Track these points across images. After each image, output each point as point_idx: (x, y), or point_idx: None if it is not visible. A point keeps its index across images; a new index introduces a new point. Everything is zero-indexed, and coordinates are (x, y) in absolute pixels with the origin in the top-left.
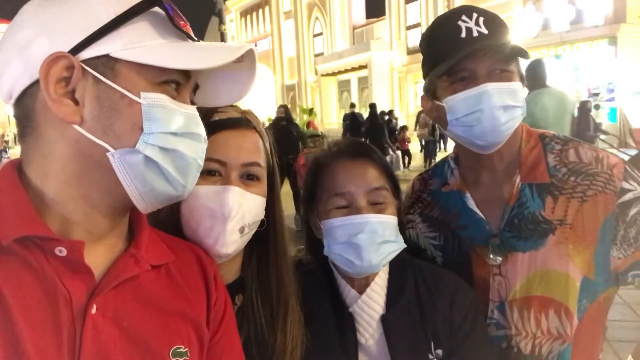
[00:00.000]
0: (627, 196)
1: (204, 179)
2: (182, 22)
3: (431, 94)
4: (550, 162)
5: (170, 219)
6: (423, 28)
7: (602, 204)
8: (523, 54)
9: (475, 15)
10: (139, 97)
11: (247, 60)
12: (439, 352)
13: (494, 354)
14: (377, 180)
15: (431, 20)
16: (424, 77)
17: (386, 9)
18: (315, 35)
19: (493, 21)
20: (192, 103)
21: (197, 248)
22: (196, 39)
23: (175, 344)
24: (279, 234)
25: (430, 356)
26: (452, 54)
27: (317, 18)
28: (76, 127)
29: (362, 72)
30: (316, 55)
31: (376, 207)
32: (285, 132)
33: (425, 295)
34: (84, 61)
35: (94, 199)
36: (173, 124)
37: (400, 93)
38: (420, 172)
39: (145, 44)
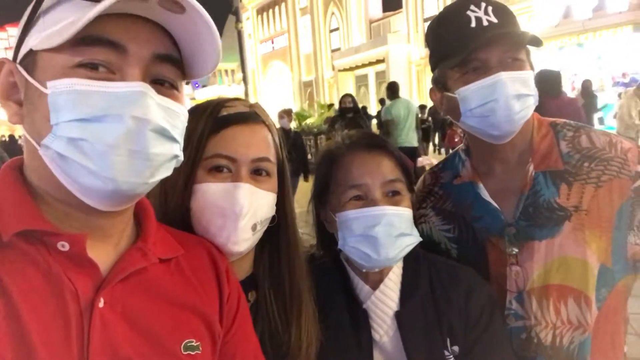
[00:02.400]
0: None
1: (213, 176)
2: None
3: (441, 85)
4: (563, 149)
5: (179, 217)
6: None
7: (617, 189)
8: (535, 41)
9: (484, 5)
10: (46, 87)
11: (190, 12)
12: (455, 348)
13: (511, 350)
14: (392, 173)
15: None
16: (432, 69)
17: (403, 2)
18: (331, 31)
19: (502, 10)
20: (162, 78)
21: (208, 243)
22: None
23: (186, 337)
24: (291, 230)
25: (447, 353)
26: (464, 45)
27: (333, 13)
28: (21, 127)
29: (380, 67)
30: (333, 51)
31: (392, 199)
32: (354, 125)
33: (440, 290)
34: (20, 62)
35: (68, 196)
36: (84, 109)
37: (419, 86)
38: (431, 167)
39: (55, 27)
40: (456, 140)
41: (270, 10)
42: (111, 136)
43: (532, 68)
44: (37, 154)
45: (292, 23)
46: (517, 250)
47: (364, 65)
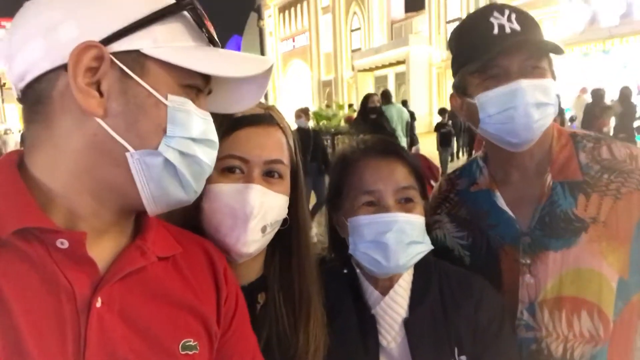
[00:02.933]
0: None
1: (225, 177)
2: (210, 28)
3: (461, 91)
4: (582, 160)
5: (187, 217)
6: None
7: (636, 202)
8: (557, 50)
9: (507, 12)
10: (166, 99)
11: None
12: (463, 358)
13: None
14: (406, 179)
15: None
16: (454, 74)
17: (426, 3)
18: (352, 30)
19: (525, 18)
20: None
21: (207, 242)
22: (219, 43)
23: (184, 337)
24: (302, 233)
25: None
26: (485, 51)
27: (355, 13)
28: (98, 120)
29: (400, 68)
30: (353, 51)
31: (405, 206)
32: (377, 127)
33: (449, 298)
34: (113, 54)
35: (103, 196)
36: (194, 130)
37: (438, 90)
38: (447, 173)
39: (175, 44)
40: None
41: (292, 8)
42: (209, 157)
43: (553, 77)
44: (88, 151)
45: (313, 22)
46: (530, 260)
47: (384, 66)
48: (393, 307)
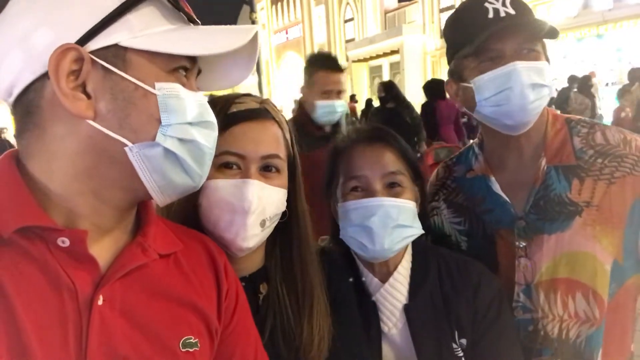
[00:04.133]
0: None
1: (222, 173)
2: (185, 6)
3: (457, 76)
4: (577, 144)
5: (185, 213)
6: None
7: (630, 186)
8: (552, 33)
9: None
10: (154, 88)
11: (249, 42)
12: (463, 341)
13: (519, 343)
14: (393, 165)
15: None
16: (449, 61)
17: None
18: (346, 21)
19: (519, 2)
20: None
21: (206, 238)
22: (198, 21)
23: (185, 334)
24: (302, 225)
25: (454, 345)
26: (480, 34)
27: (347, 3)
28: (90, 122)
29: (394, 58)
30: (347, 41)
31: (392, 191)
32: (395, 118)
33: (448, 284)
34: (92, 52)
35: (105, 194)
36: (189, 114)
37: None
38: (445, 160)
39: (153, 30)
40: None
41: (285, 1)
42: (208, 140)
43: (547, 60)
44: (83, 151)
45: (306, 13)
46: (526, 243)
47: (378, 56)
48: (393, 294)
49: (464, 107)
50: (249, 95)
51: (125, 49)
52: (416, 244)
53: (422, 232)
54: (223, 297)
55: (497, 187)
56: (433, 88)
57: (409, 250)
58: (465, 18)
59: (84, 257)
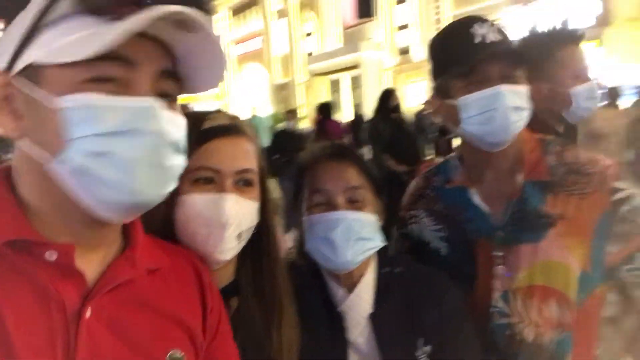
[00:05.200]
0: (619, 195)
1: (198, 188)
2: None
3: (443, 93)
4: (550, 161)
5: (161, 228)
6: (413, 29)
7: (597, 202)
8: (530, 60)
9: (487, 24)
10: (59, 102)
11: (200, 32)
12: (428, 348)
13: (480, 353)
14: (355, 180)
15: (421, 21)
16: (434, 79)
17: (377, 10)
18: (307, 35)
19: (501, 30)
20: (165, 93)
21: (192, 254)
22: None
23: (171, 348)
24: (272, 237)
25: (419, 353)
26: (469, 57)
27: (309, 17)
28: (21, 141)
29: (354, 72)
30: (308, 55)
31: (354, 204)
32: (397, 129)
33: (414, 292)
34: (18, 73)
35: (65, 210)
36: (104, 124)
37: None
38: (423, 172)
39: (66, 40)
40: None
41: (246, 11)
42: (134, 150)
43: (526, 85)
44: (36, 169)
45: (267, 25)
46: (503, 252)
47: (337, 71)
48: (358, 303)
49: (446, 122)
50: (219, 112)
51: (40, 65)
52: (382, 254)
53: (384, 244)
54: (208, 313)
55: (477, 199)
56: (323, 109)
57: (374, 260)
58: (453, 41)
59: (71, 270)
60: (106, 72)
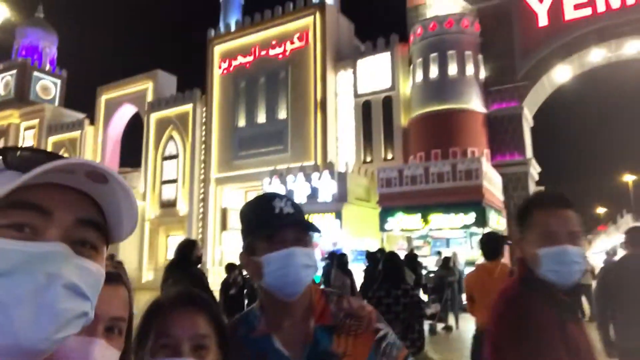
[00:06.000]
0: (380, 333)
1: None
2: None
3: (250, 251)
4: (332, 308)
5: None
6: (180, 184)
7: (367, 340)
8: (316, 229)
9: (284, 199)
10: None
11: (112, 181)
12: None
13: None
14: (203, 328)
15: (187, 177)
16: (244, 238)
17: (142, 162)
18: None
19: (295, 204)
20: (84, 241)
21: None
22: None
23: None
24: None
25: None
26: (272, 224)
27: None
28: None
29: None
30: None
31: (197, 352)
32: (196, 281)
33: None
34: None
35: None
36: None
37: (150, 244)
38: (227, 322)
39: None
40: None
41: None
42: (17, 290)
43: (312, 246)
44: None
45: None
46: None
47: None
48: None
49: (253, 275)
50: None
51: None
52: None
53: None
54: None
55: (278, 345)
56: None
57: None
58: (259, 209)
59: None
60: (19, 219)
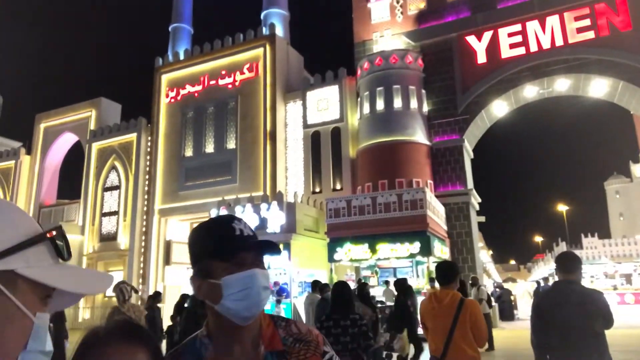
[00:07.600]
0: (327, 356)
1: None
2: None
3: (204, 274)
4: (281, 334)
5: None
6: (121, 216)
7: None
8: (278, 251)
9: (242, 222)
10: (34, 315)
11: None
12: None
13: None
14: None
15: (130, 208)
16: (195, 262)
17: (82, 193)
18: None
19: (250, 228)
20: None
21: None
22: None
23: None
24: None
25: None
26: (231, 246)
27: None
28: None
29: None
30: None
31: None
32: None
33: None
34: None
35: None
36: (46, 344)
37: None
38: (169, 353)
39: (42, 264)
40: None
41: None
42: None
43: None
44: None
45: None
46: None
47: None
48: None
49: (206, 299)
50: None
51: (18, 275)
52: None
53: None
54: None
55: None
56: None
57: None
58: (217, 231)
59: None
60: (50, 293)
